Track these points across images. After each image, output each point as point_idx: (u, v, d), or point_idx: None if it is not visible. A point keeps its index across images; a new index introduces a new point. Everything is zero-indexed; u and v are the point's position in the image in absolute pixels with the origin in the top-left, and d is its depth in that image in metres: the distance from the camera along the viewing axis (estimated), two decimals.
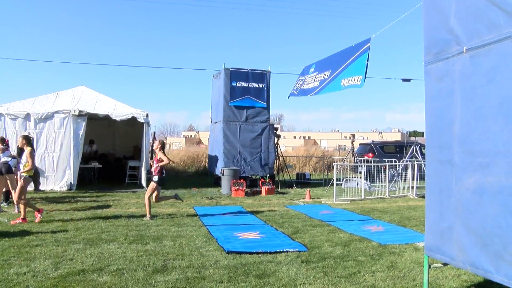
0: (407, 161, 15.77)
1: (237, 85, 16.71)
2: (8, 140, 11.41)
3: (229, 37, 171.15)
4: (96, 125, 17.98)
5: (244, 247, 7.10)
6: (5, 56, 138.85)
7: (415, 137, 15.93)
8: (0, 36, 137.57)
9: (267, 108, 17.16)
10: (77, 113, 14.63)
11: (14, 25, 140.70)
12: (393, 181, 16.40)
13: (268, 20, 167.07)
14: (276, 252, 6.79)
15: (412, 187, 14.99)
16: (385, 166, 15.30)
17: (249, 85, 16.86)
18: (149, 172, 16.18)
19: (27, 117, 14.55)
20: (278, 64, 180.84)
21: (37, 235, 7.78)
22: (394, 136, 79.10)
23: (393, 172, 16.66)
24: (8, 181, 10.20)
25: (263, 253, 6.75)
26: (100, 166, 16.68)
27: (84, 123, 14.71)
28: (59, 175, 14.61)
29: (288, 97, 15.47)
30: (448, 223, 4.17)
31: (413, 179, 15.06)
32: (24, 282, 5.21)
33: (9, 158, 10.55)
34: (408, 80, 20.36)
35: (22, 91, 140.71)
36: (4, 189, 10.49)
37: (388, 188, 15.02)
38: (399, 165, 16.25)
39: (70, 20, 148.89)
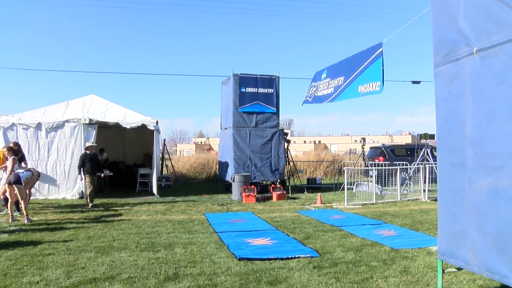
0: (418, 164, 15.64)
1: (246, 90, 16.73)
2: (16, 148, 11.56)
3: (238, 43, 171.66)
4: (107, 133, 18.07)
5: (255, 254, 7.06)
6: (16, 66, 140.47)
7: (426, 139, 15.81)
8: (12, 46, 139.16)
9: (277, 113, 17.15)
10: (87, 121, 14.71)
11: (25, 35, 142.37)
12: (404, 185, 16.27)
13: (276, 25, 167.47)
14: (287, 258, 6.74)
15: (424, 190, 14.83)
16: (396, 169, 15.18)
17: (258, 91, 16.87)
18: (159, 179, 16.28)
19: (38, 126, 14.68)
20: (287, 69, 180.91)
21: (49, 243, 7.81)
22: (405, 139, 78.64)
23: (405, 175, 16.53)
24: (17, 191, 10.26)
25: (275, 259, 6.70)
26: (111, 174, 16.74)
27: (94, 131, 14.79)
28: (70, 184, 14.69)
29: (302, 104, 15.43)
30: (462, 227, 4.10)
31: (424, 182, 14.91)
32: None
33: (22, 170, 10.65)
34: (418, 82, 20.22)
35: (34, 101, 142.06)
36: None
37: (400, 192, 14.90)
38: (410, 168, 16.12)
39: (79, 29, 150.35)
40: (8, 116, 15.01)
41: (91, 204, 12.72)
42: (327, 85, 13.03)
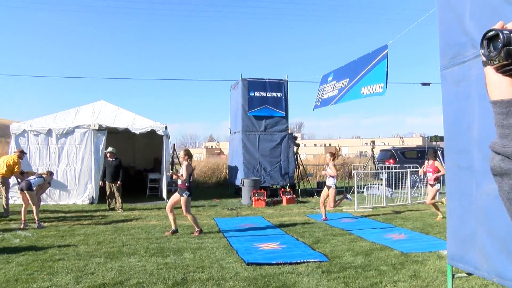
0: None
1: (255, 95, 16.74)
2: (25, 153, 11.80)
3: (246, 47, 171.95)
4: (116, 138, 18.16)
5: (264, 258, 7.05)
6: (26, 74, 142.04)
7: (437, 141, 15.71)
8: (22, 54, 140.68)
9: (286, 117, 17.15)
10: (97, 127, 14.82)
11: (35, 42, 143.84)
12: (415, 187, 16.15)
13: (283, 29, 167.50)
14: (296, 263, 6.72)
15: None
16: (407, 172, 15.08)
17: (267, 95, 16.87)
18: (169, 184, 16.31)
19: (49, 132, 14.80)
20: (296, 72, 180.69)
21: (59, 249, 7.86)
22: (415, 141, 78.05)
23: (415, 178, 16.41)
24: (29, 197, 10.34)
25: (284, 264, 6.68)
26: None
27: (104, 137, 14.88)
28: (81, 189, 14.79)
29: (313, 109, 15.39)
30: (470, 230, 4.05)
31: None
32: None
33: (34, 177, 10.75)
34: (428, 84, 20.08)
35: (44, 107, 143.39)
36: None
37: (410, 195, 14.79)
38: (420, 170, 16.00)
39: (88, 35, 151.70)
40: (19, 122, 15.16)
41: (120, 209, 13.12)
42: (332, 88, 13.01)
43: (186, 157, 9.46)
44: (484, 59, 1.22)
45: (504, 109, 1.18)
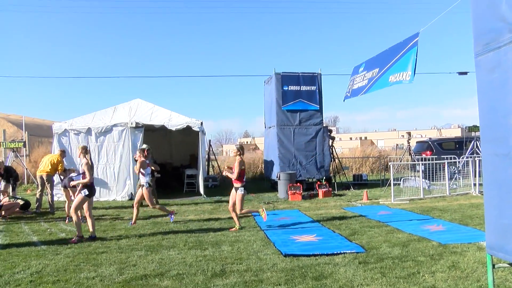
0: (467, 157, 15.19)
1: (289, 89, 16.77)
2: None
3: (279, 41, 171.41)
4: (153, 135, 18.53)
5: (301, 250, 7.12)
6: (68, 75, 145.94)
7: (475, 132, 15.33)
8: (65, 58, 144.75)
9: (320, 110, 17.10)
10: (134, 125, 15.17)
11: (75, 48, 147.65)
12: (453, 179, 15.84)
13: (316, 21, 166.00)
14: (333, 254, 6.76)
15: (475, 184, 14.41)
16: (444, 163, 14.81)
17: (301, 89, 16.87)
18: (206, 180, 16.54)
19: (88, 131, 15.28)
20: (329, 65, 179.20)
21: (102, 242, 8.16)
22: (454, 132, 76.27)
23: (453, 169, 16.10)
24: (72, 194, 10.73)
25: (320, 255, 6.74)
26: (159, 175, 17.12)
27: (141, 134, 15.22)
28: (120, 186, 15.20)
29: (344, 100, 15.29)
30: (510, 220, 4.00)
31: (475, 175, 14.47)
32: (93, 285, 5.56)
33: (76, 174, 11.12)
34: (465, 73, 19.63)
35: (83, 107, 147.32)
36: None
37: (449, 186, 14.53)
38: (459, 161, 15.68)
39: (125, 38, 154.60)
40: (61, 122, 15.69)
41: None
42: (362, 78, 12.87)
43: (239, 152, 9.26)
44: None
45: None
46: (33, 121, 32.10)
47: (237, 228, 9.23)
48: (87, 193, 8.46)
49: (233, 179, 9.21)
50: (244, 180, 9.25)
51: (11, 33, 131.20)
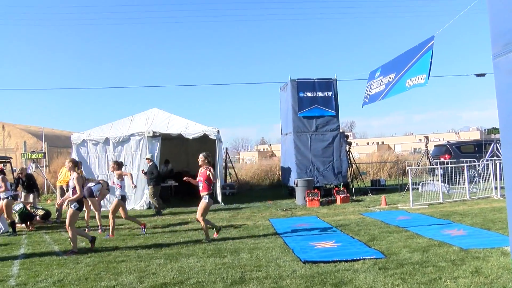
0: (487, 160, 14.96)
1: (305, 95, 16.76)
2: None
3: (294, 48, 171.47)
4: (170, 144, 18.65)
5: (320, 256, 7.08)
6: (83, 87, 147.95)
7: (495, 134, 15.10)
8: (81, 69, 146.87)
9: (336, 116, 17.05)
10: (151, 134, 15.29)
11: (91, 59, 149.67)
12: (473, 182, 15.62)
13: (330, 27, 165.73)
14: (352, 260, 6.71)
15: (496, 188, 14.17)
16: (463, 167, 14.61)
17: (316, 95, 16.85)
18: (223, 187, 16.58)
19: (106, 141, 15.44)
20: (344, 70, 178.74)
21: (122, 251, 8.23)
22: (472, 135, 75.17)
23: (473, 172, 15.87)
24: (91, 204, 10.90)
25: (340, 261, 6.70)
26: (176, 184, 17.23)
27: (158, 143, 15.34)
28: (138, 195, 15.31)
29: (362, 106, 15.23)
30: None
31: (496, 179, 14.24)
32: None
33: (93, 183, 11.25)
34: (483, 75, 19.35)
35: (101, 117, 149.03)
36: None
37: (469, 190, 14.32)
38: (478, 165, 15.45)
39: (141, 49, 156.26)
40: (79, 133, 15.88)
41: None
42: (379, 83, 12.83)
43: (206, 160, 8.96)
44: None
45: None
46: (52, 132, 32.55)
47: (204, 241, 8.93)
48: (77, 206, 8.36)
49: (200, 189, 8.93)
50: (211, 189, 9.00)
51: (27, 46, 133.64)
